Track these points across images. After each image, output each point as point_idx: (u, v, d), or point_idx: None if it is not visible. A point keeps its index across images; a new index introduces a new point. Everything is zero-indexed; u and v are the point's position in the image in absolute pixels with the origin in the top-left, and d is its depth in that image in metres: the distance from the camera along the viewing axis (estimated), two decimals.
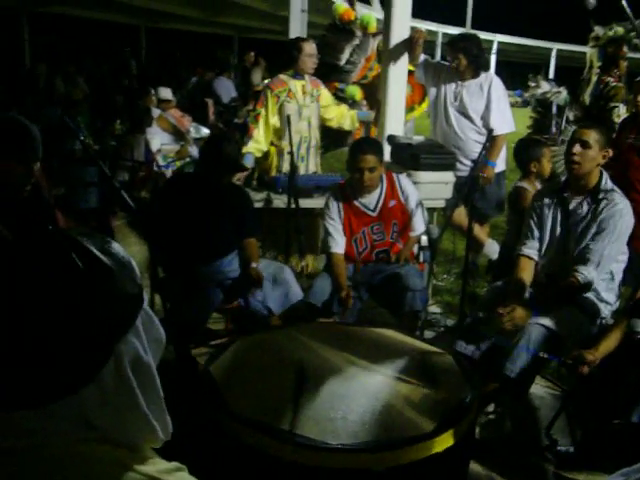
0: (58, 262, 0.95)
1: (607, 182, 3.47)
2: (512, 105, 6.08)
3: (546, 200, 3.65)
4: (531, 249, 3.65)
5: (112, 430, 1.00)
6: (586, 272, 3.30)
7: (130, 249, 5.84)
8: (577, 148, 3.40)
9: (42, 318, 0.91)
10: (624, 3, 4.21)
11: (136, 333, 1.01)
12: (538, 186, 4.33)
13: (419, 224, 4.14)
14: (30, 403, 0.94)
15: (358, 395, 2.52)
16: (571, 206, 3.54)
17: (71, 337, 0.93)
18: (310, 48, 5.13)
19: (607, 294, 3.51)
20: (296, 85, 5.16)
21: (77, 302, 0.93)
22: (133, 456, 1.00)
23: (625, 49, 6.58)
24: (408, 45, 5.22)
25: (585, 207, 3.48)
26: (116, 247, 1.04)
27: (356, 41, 6.39)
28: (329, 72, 6.32)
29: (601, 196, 3.42)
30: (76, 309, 0.93)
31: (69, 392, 0.94)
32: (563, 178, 3.72)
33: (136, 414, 1.01)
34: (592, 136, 3.41)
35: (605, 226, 3.35)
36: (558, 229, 3.59)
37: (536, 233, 3.66)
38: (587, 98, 6.72)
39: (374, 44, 6.21)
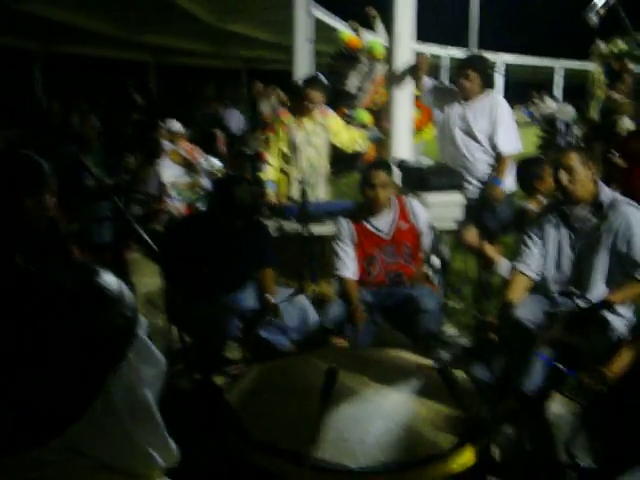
0: (51, 299, 0.96)
1: (605, 192, 3.51)
2: (520, 124, 6.12)
3: (547, 217, 3.68)
4: (527, 266, 3.68)
5: (107, 459, 1.00)
6: None
7: (144, 281, 5.89)
8: (563, 175, 3.46)
9: (34, 355, 0.92)
10: (626, 19, 4.25)
11: (128, 365, 1.00)
12: (544, 203, 4.36)
13: (428, 246, 4.18)
14: (15, 448, 0.94)
15: (374, 417, 2.54)
16: (574, 221, 3.57)
17: (59, 376, 0.93)
18: (313, 96, 5.18)
19: (623, 308, 3.52)
20: (303, 114, 5.23)
21: (60, 342, 0.93)
22: None
23: (629, 64, 6.62)
24: (413, 70, 5.28)
25: (589, 217, 3.51)
26: (106, 282, 1.03)
27: (362, 67, 6.49)
28: (337, 98, 6.41)
29: (603, 204, 3.46)
30: (60, 349, 0.93)
31: (55, 434, 0.95)
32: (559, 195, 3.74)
33: (130, 446, 1.01)
34: (574, 159, 3.46)
35: (631, 233, 3.37)
36: (565, 245, 3.61)
37: (535, 250, 3.68)
38: (594, 114, 6.76)
39: (381, 70, 6.30)
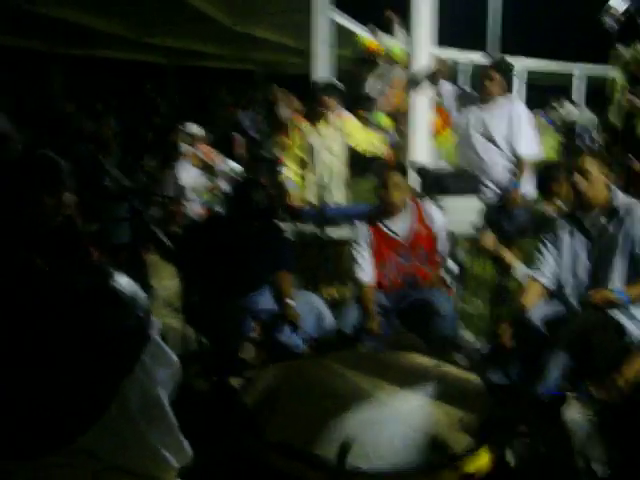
0: (62, 301, 0.97)
1: (618, 195, 3.50)
2: (539, 129, 6.10)
3: (561, 224, 3.68)
4: (541, 273, 3.68)
5: (120, 461, 1.01)
6: None
7: (162, 283, 5.92)
8: (578, 178, 3.48)
9: (48, 362, 0.92)
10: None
11: (142, 368, 1.01)
12: (563, 208, 4.35)
13: (444, 250, 4.18)
14: (28, 455, 0.95)
15: (389, 420, 2.55)
16: (588, 227, 3.57)
17: (73, 381, 0.94)
18: (328, 103, 5.20)
19: (638, 311, 3.50)
20: (319, 119, 5.25)
21: (74, 346, 0.94)
22: None
23: None
24: (431, 73, 5.29)
25: (603, 222, 3.50)
26: (119, 284, 1.03)
27: (381, 70, 6.50)
28: (355, 101, 6.42)
29: (617, 209, 3.45)
30: (80, 351, 0.94)
31: (75, 436, 0.96)
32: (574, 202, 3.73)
33: (143, 447, 1.02)
34: (590, 163, 3.48)
35: None
36: (580, 251, 3.60)
37: (550, 258, 3.68)
38: (613, 119, 6.72)
39: (398, 73, 6.30)
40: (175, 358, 1.11)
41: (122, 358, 0.99)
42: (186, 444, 1.10)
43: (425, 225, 4.17)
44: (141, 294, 1.06)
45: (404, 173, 4.14)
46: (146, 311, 1.05)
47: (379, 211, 4.18)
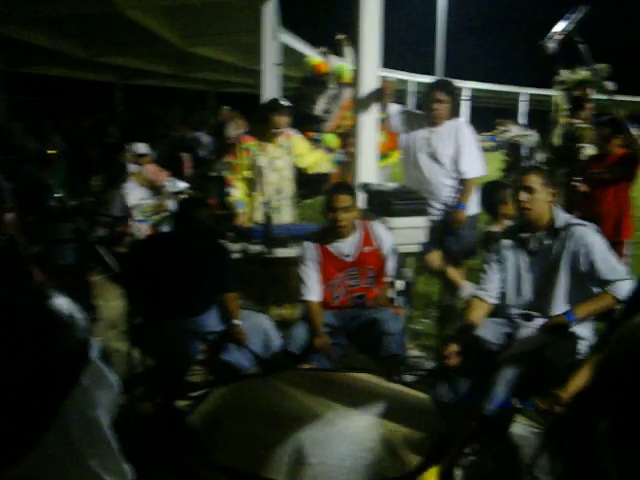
0: None
1: (560, 215, 3.59)
2: (486, 150, 6.22)
3: (505, 243, 3.75)
4: (485, 291, 3.74)
5: None
6: (617, 289, 3.36)
7: (108, 304, 5.83)
8: (523, 195, 3.55)
9: None
10: (581, 47, 4.36)
11: (81, 390, 0.99)
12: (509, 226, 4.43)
13: (392, 270, 4.21)
14: None
15: (337, 440, 2.53)
16: (531, 245, 3.65)
17: (8, 406, 0.91)
18: (277, 121, 5.20)
19: (583, 329, 3.57)
20: (268, 142, 5.26)
21: (9, 369, 0.92)
22: None
23: (590, 91, 6.77)
24: (378, 94, 5.34)
25: (547, 242, 3.58)
26: (57, 304, 1.00)
27: (330, 92, 6.54)
28: (304, 122, 6.45)
29: (559, 228, 3.53)
30: (9, 376, 0.91)
31: (9, 463, 0.92)
32: (517, 221, 3.81)
33: (84, 472, 0.99)
34: (535, 180, 3.55)
35: (590, 250, 3.43)
36: (523, 269, 3.67)
37: (494, 276, 3.74)
38: (556, 140, 6.89)
39: (348, 94, 6.36)
40: (115, 380, 1.09)
41: (60, 380, 0.96)
42: (127, 468, 1.08)
43: (373, 245, 4.19)
44: (80, 315, 1.03)
45: (353, 194, 4.16)
46: (86, 332, 1.03)
47: (327, 231, 4.19)
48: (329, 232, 4.17)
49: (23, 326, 0.95)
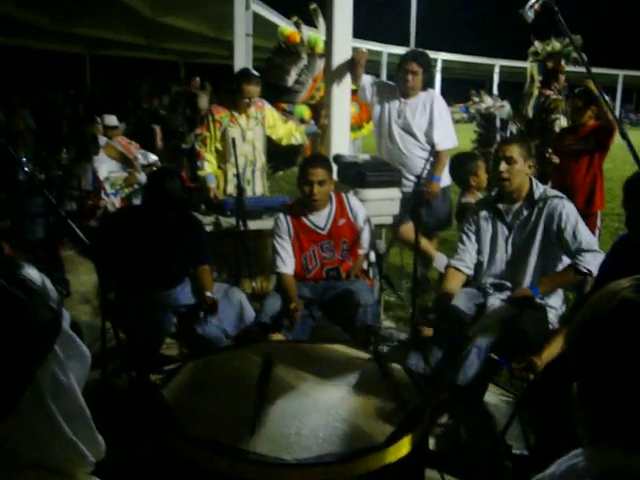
0: None
1: (538, 186, 3.61)
2: (457, 121, 6.23)
3: (482, 213, 3.76)
4: (460, 262, 3.76)
5: (38, 456, 0.99)
6: (584, 261, 3.37)
7: (80, 278, 5.78)
8: (503, 166, 3.54)
9: None
10: (559, 17, 4.35)
11: (54, 358, 1.00)
12: (480, 197, 4.45)
13: (367, 242, 4.22)
14: None
15: (311, 410, 2.54)
16: (508, 216, 3.66)
17: None
18: (248, 90, 5.12)
19: (553, 299, 3.61)
20: (240, 113, 5.20)
21: None
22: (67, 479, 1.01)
23: (563, 63, 6.79)
24: (350, 65, 5.30)
25: (524, 213, 3.59)
26: (27, 273, 1.01)
27: (303, 62, 6.48)
28: (277, 93, 6.39)
29: (536, 199, 3.55)
30: None
31: None
32: (493, 192, 3.82)
33: (61, 441, 1.00)
34: (515, 151, 3.55)
35: (562, 220, 3.46)
36: (500, 240, 3.69)
37: (470, 246, 3.76)
38: (530, 111, 6.91)
39: (321, 65, 6.29)
40: (87, 352, 1.10)
41: (34, 348, 0.97)
42: (100, 438, 1.09)
43: (347, 218, 4.19)
44: (51, 286, 1.04)
45: (328, 167, 4.14)
46: (57, 303, 1.03)
47: (301, 204, 4.17)
48: (303, 204, 4.15)
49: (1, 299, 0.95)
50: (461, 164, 4.68)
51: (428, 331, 3.46)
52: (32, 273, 1.02)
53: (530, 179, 3.61)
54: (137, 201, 6.72)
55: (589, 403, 1.13)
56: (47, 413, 0.98)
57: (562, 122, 6.51)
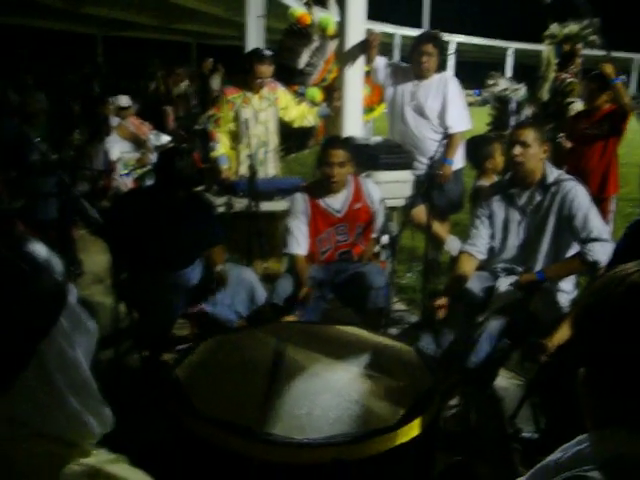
0: None
1: (552, 171, 3.57)
2: (471, 104, 6.19)
3: (495, 198, 3.72)
4: (473, 246, 3.73)
5: (43, 427, 1.01)
6: (592, 251, 3.35)
7: (92, 258, 5.81)
8: (518, 149, 3.50)
9: None
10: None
11: (60, 330, 1.01)
12: (498, 181, 4.43)
13: (381, 227, 4.21)
14: None
15: (322, 391, 2.55)
16: (521, 201, 3.62)
17: None
18: (261, 71, 5.11)
19: (565, 283, 3.60)
20: (253, 93, 5.19)
21: None
22: (71, 450, 1.02)
23: (580, 46, 6.73)
24: (364, 47, 5.27)
25: (538, 198, 3.56)
26: (34, 248, 1.03)
27: (314, 44, 6.44)
28: (289, 75, 6.36)
29: (550, 185, 3.51)
30: None
31: None
32: (507, 176, 3.78)
33: (66, 411, 1.02)
34: (530, 135, 3.50)
35: (573, 206, 3.43)
36: (512, 225, 3.67)
37: (483, 231, 3.73)
38: (545, 94, 6.85)
39: (333, 47, 6.26)
40: (94, 326, 1.11)
41: (38, 320, 0.99)
42: (108, 411, 1.11)
43: (364, 202, 4.18)
44: (57, 260, 1.05)
45: (348, 149, 4.11)
46: (62, 277, 1.05)
47: (319, 185, 4.15)
48: (321, 186, 4.13)
49: (4, 267, 0.97)
50: (478, 147, 4.65)
51: (441, 313, 3.46)
52: (37, 247, 1.04)
53: (544, 164, 3.58)
54: (149, 182, 6.73)
55: (595, 387, 1.13)
56: (52, 384, 1.00)
57: (578, 106, 6.45)
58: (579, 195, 3.44)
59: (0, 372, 0.96)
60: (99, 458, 1.04)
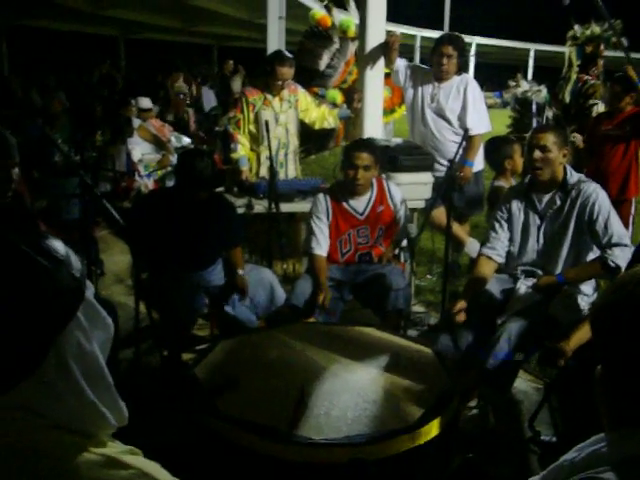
0: None
1: (572, 175, 3.54)
2: (491, 106, 6.18)
3: (514, 202, 3.70)
4: (492, 250, 3.71)
5: (61, 418, 1.03)
6: (613, 256, 3.32)
7: (114, 258, 5.87)
8: (537, 154, 3.46)
9: None
10: (599, 2, 4.29)
11: (77, 325, 1.04)
12: (514, 182, 4.42)
13: (403, 230, 4.21)
14: None
15: (341, 391, 2.57)
16: (541, 205, 3.60)
17: (8, 335, 0.96)
18: (282, 72, 5.12)
19: (585, 286, 3.58)
20: (273, 95, 5.21)
21: (12, 301, 0.97)
22: (88, 440, 1.04)
23: (602, 47, 6.69)
24: (384, 49, 5.28)
25: (558, 202, 3.53)
26: (53, 245, 1.06)
27: (335, 46, 6.45)
28: (309, 77, 6.38)
29: (570, 188, 3.48)
30: (11, 308, 0.97)
31: (8, 388, 0.98)
32: (527, 180, 3.76)
33: (82, 402, 1.04)
34: (549, 139, 3.46)
35: (594, 210, 3.40)
36: (532, 229, 3.64)
37: (502, 235, 3.71)
38: (567, 96, 6.82)
39: (353, 48, 6.28)
40: (111, 322, 1.14)
41: (57, 312, 1.01)
42: (123, 405, 1.13)
43: (387, 204, 4.18)
44: (75, 257, 1.09)
45: (374, 152, 4.11)
46: (80, 273, 1.08)
47: (342, 187, 4.16)
48: (344, 188, 4.14)
49: (24, 262, 1.00)
50: (497, 148, 4.64)
51: (461, 316, 3.46)
52: (56, 244, 1.07)
53: (564, 167, 3.55)
54: (170, 183, 6.78)
55: (612, 387, 1.12)
56: (70, 375, 1.02)
57: (600, 108, 6.42)
58: (600, 199, 3.41)
59: (20, 360, 0.98)
60: (114, 449, 1.07)
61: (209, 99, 12.10)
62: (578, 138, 5.57)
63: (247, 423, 2.31)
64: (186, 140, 7.90)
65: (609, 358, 1.12)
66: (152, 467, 1.06)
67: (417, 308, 5.05)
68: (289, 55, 5.41)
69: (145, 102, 8.09)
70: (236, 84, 12.18)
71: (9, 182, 2.82)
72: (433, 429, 2.38)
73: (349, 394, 2.55)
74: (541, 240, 3.63)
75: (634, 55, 4.20)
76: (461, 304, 3.48)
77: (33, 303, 0.98)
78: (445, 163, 5.19)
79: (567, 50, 6.92)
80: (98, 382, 1.07)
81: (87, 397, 1.04)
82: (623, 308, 1.08)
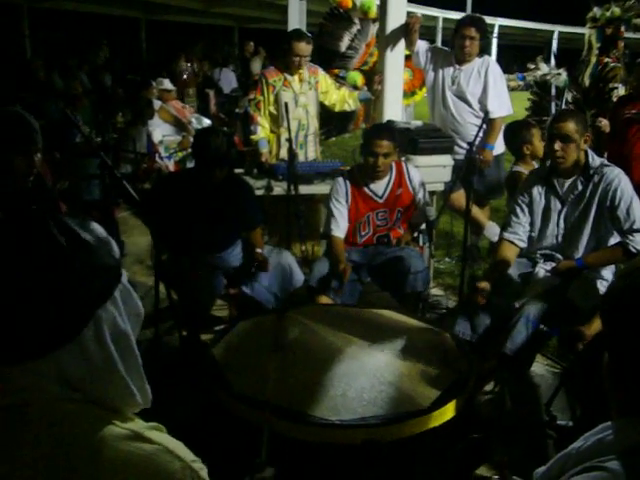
0: (41, 237, 1.03)
1: (595, 159, 3.50)
2: (514, 89, 6.11)
3: (535, 186, 3.67)
4: (514, 234, 3.68)
5: (93, 392, 1.07)
6: (634, 242, 3.31)
7: (134, 239, 5.91)
8: (558, 144, 3.42)
9: (27, 286, 0.99)
10: None
11: (114, 303, 1.08)
12: (535, 165, 4.38)
13: (422, 213, 4.20)
14: (12, 359, 1.01)
15: (357, 373, 2.58)
16: (562, 190, 3.56)
17: (53, 302, 1.00)
18: (299, 48, 5.08)
19: (605, 271, 3.56)
20: (292, 74, 5.20)
21: (58, 272, 1.01)
22: (116, 415, 1.08)
23: (623, 29, 6.59)
24: (405, 31, 5.24)
25: (579, 187, 3.50)
26: (95, 227, 1.12)
27: (355, 27, 6.42)
28: (329, 59, 6.36)
29: (592, 173, 3.45)
30: (57, 278, 1.01)
31: (50, 349, 1.02)
32: (548, 164, 3.72)
33: (115, 378, 1.08)
34: (570, 128, 3.40)
35: (616, 195, 3.37)
36: (553, 214, 3.62)
37: (524, 219, 3.68)
38: (586, 79, 6.73)
39: (374, 30, 6.24)
40: (141, 307, 1.17)
41: (98, 286, 1.05)
42: (148, 387, 1.16)
43: (406, 187, 4.17)
44: (114, 241, 1.14)
45: (394, 139, 4.09)
46: (118, 255, 1.13)
47: (362, 171, 4.15)
48: (364, 172, 4.13)
49: (74, 239, 1.05)
50: (515, 133, 4.60)
51: (481, 299, 3.44)
52: (98, 227, 1.13)
53: (586, 152, 3.51)
54: (190, 164, 6.80)
55: (619, 375, 1.12)
56: (106, 349, 1.06)
57: (620, 91, 6.32)
58: (622, 184, 3.38)
59: (63, 325, 1.01)
60: (139, 425, 1.09)
61: (229, 81, 12.08)
62: (604, 123, 5.48)
63: (262, 402, 2.33)
64: (207, 121, 7.92)
65: (616, 345, 1.12)
66: (175, 444, 1.09)
67: (435, 291, 5.05)
68: (307, 34, 5.39)
69: (166, 83, 8.10)
70: (256, 66, 12.14)
71: (31, 167, 2.84)
72: (448, 412, 2.39)
73: (365, 376, 2.56)
74: (561, 225, 3.60)
75: None
76: (485, 284, 3.46)
77: (77, 276, 1.02)
78: (465, 146, 5.13)
79: (587, 32, 6.82)
80: (130, 361, 1.11)
81: (119, 373, 1.08)
82: (629, 296, 1.08)
